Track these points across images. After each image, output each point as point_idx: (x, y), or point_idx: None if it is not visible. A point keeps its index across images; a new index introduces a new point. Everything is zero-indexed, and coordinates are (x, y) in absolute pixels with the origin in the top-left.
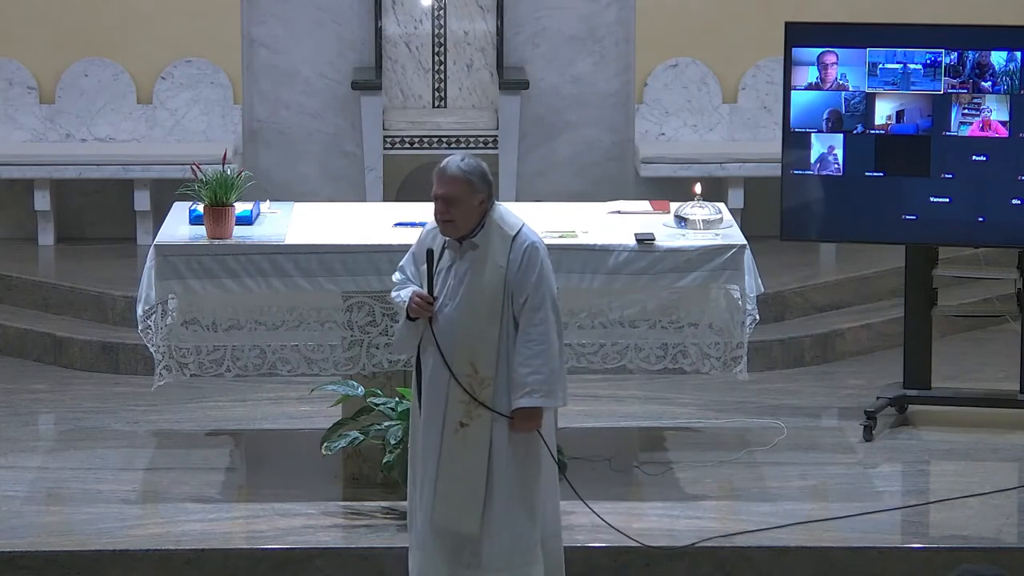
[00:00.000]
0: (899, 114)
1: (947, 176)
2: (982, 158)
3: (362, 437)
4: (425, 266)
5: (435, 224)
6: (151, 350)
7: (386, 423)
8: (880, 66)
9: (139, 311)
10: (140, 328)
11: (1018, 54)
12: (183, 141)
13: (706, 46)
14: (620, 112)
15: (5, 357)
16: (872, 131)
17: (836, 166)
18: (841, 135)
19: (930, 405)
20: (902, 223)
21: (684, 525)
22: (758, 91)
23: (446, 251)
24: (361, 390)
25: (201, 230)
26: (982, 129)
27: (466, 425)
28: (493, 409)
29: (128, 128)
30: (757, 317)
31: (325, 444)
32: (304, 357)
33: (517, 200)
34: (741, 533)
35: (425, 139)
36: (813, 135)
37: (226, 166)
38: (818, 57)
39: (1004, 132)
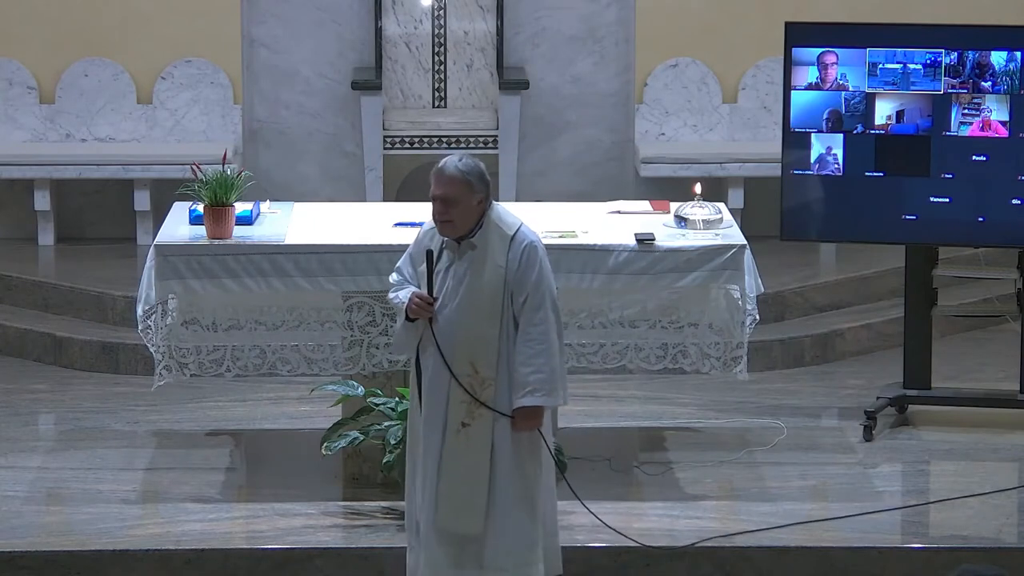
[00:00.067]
0: (899, 114)
1: (947, 176)
2: (982, 158)
3: (362, 437)
4: (423, 267)
5: (433, 225)
6: (151, 350)
7: (386, 423)
8: (880, 66)
9: (139, 311)
10: (140, 328)
11: (1018, 54)
12: (183, 141)
13: (706, 46)
14: (620, 112)
15: (5, 357)
16: (872, 131)
17: (835, 166)
18: (841, 135)
19: (930, 405)
20: (902, 223)
21: (684, 525)
22: (758, 91)
23: (444, 252)
24: (361, 390)
25: (201, 230)
26: (982, 129)
27: (468, 425)
28: (494, 409)
29: (128, 128)
30: (757, 317)
31: (325, 444)
32: (304, 357)
33: (517, 200)
34: (741, 533)
35: (425, 139)
36: (813, 135)
37: (226, 166)
38: (818, 57)
39: (1004, 132)
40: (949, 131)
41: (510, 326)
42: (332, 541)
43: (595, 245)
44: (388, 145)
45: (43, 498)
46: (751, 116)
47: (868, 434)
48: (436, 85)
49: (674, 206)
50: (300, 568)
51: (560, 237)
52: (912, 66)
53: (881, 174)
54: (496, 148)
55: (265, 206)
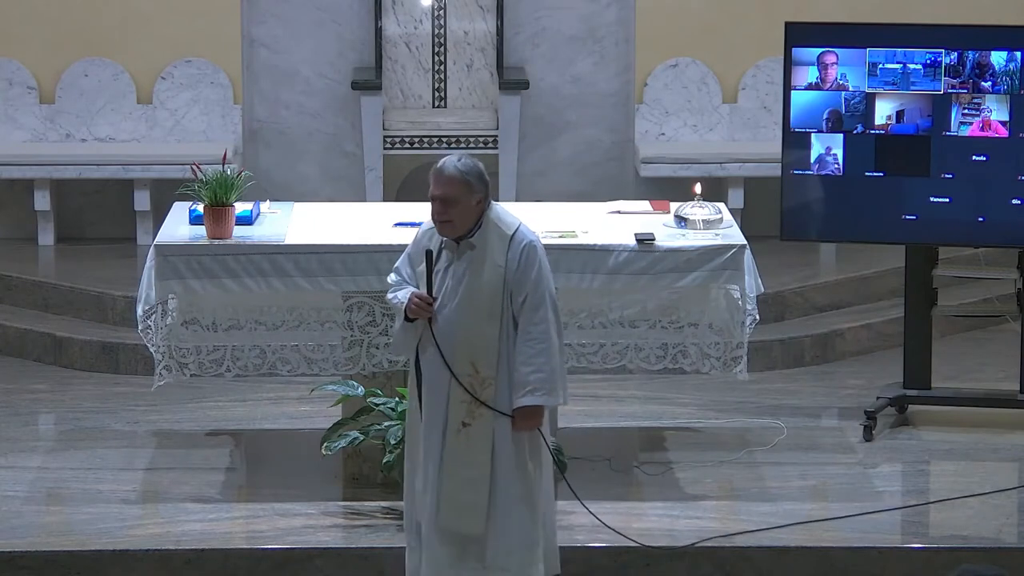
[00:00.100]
0: (899, 114)
1: (947, 176)
2: (982, 158)
3: (362, 437)
4: (421, 267)
5: (431, 225)
6: (151, 350)
7: (386, 423)
8: (880, 66)
9: (139, 311)
10: (140, 328)
11: (1018, 54)
12: (183, 141)
13: (706, 46)
14: (620, 112)
15: (5, 357)
16: (872, 131)
17: (835, 166)
18: (841, 135)
19: (930, 405)
20: (902, 223)
21: (684, 525)
22: (758, 91)
23: (443, 252)
24: (361, 390)
25: (201, 230)
26: (982, 129)
27: (468, 425)
28: (495, 408)
29: (128, 128)
30: (757, 317)
31: (325, 444)
32: (304, 357)
33: (517, 200)
34: (741, 533)
35: (425, 139)
36: (813, 135)
37: (226, 166)
38: (818, 57)
39: (1004, 132)
40: (949, 131)
41: (510, 325)
42: (332, 541)
43: (595, 245)
44: (388, 145)
45: (43, 498)
46: (751, 116)
47: (868, 434)
48: (436, 85)
49: (674, 206)
50: (300, 568)
51: (560, 237)
52: (912, 66)
53: (881, 174)
54: (496, 148)
55: (265, 206)
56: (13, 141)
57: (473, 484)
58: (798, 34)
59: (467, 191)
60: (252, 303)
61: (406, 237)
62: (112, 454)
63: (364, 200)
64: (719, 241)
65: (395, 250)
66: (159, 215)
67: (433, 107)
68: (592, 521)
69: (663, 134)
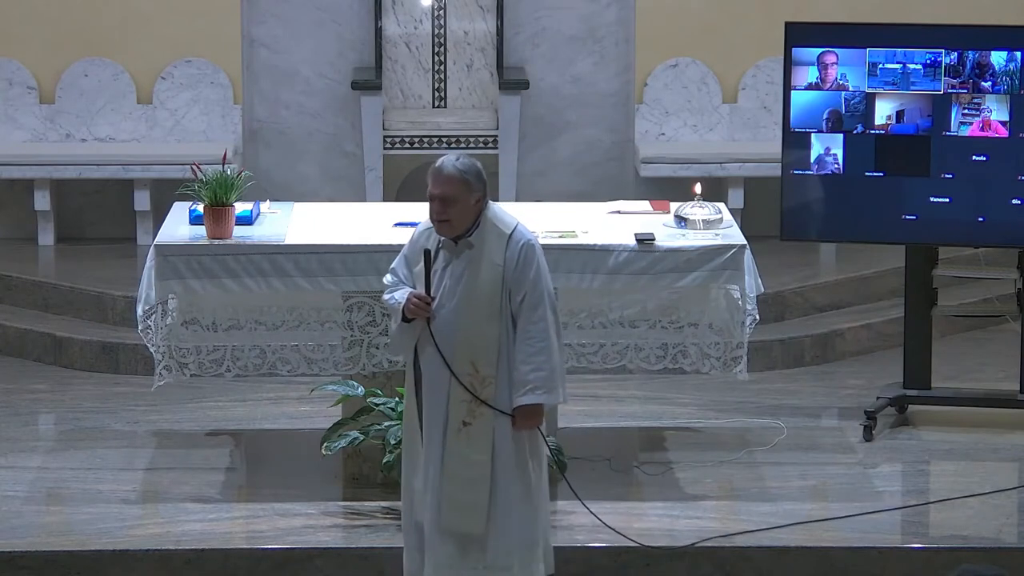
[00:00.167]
0: (899, 114)
1: (947, 176)
2: (982, 158)
3: (362, 437)
4: (419, 267)
5: (428, 225)
6: (151, 350)
7: (386, 423)
8: (880, 66)
9: (139, 311)
10: (140, 328)
11: (1018, 54)
12: (183, 141)
13: (706, 46)
14: (620, 112)
15: (5, 357)
16: (872, 131)
17: (835, 167)
18: (841, 135)
19: (930, 405)
20: (902, 223)
21: (684, 525)
22: (758, 91)
23: (441, 251)
24: (361, 390)
25: (201, 230)
26: (982, 129)
27: (468, 424)
28: (495, 407)
29: (128, 128)
30: (757, 317)
31: (325, 444)
32: (304, 357)
33: (517, 200)
34: (741, 533)
35: (425, 139)
36: (813, 135)
37: (226, 166)
38: (818, 57)
39: (1004, 132)
40: (949, 131)
41: (509, 324)
42: (332, 541)
43: (595, 245)
44: (388, 145)
45: (43, 498)
46: (751, 116)
47: (868, 434)
48: (436, 85)
49: (674, 206)
50: (300, 568)
51: (560, 237)
52: (912, 66)
53: (881, 174)
54: (496, 148)
55: (265, 206)
56: (13, 141)
57: (474, 483)
58: (798, 34)
59: (466, 190)
60: (252, 303)
61: (406, 237)
62: (112, 454)
63: (364, 200)
64: (719, 241)
65: (395, 250)
66: (159, 215)
67: (433, 107)
68: (592, 521)
69: (663, 134)
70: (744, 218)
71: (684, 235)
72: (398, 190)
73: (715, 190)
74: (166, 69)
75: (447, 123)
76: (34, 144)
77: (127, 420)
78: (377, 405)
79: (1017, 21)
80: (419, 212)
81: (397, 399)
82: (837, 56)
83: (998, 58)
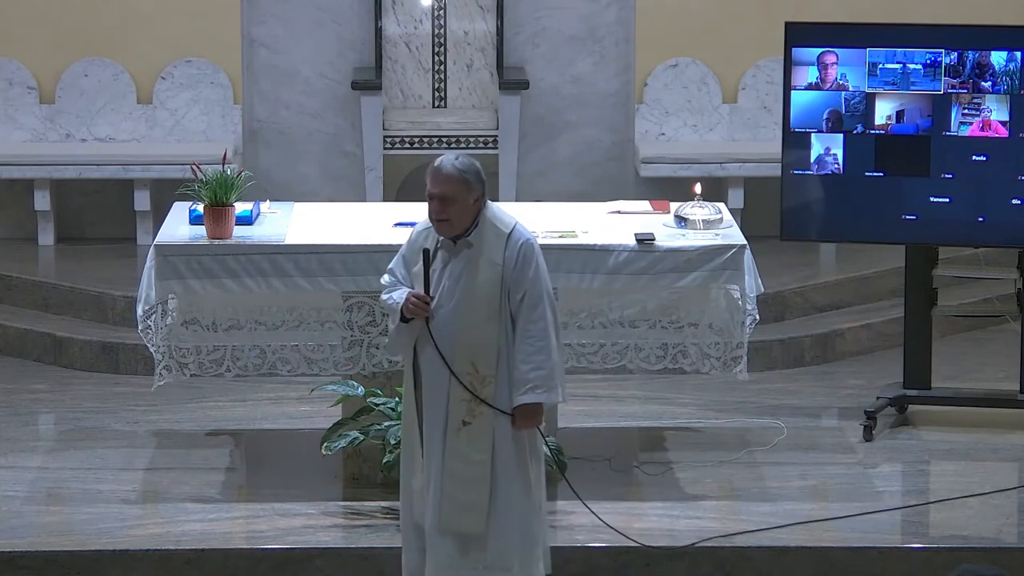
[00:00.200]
0: (899, 114)
1: (947, 176)
2: (982, 158)
3: (362, 437)
4: (418, 267)
5: (426, 225)
6: (151, 350)
7: (386, 423)
8: (880, 66)
9: (139, 311)
10: (140, 328)
11: (1018, 54)
12: (183, 141)
13: (706, 46)
14: (620, 112)
15: (5, 357)
16: (872, 131)
17: (835, 167)
18: (841, 135)
19: (930, 405)
20: (902, 223)
21: (684, 525)
22: (758, 91)
23: (439, 251)
24: (361, 390)
25: (201, 230)
26: (982, 129)
27: (468, 424)
28: (495, 407)
29: (128, 128)
30: (757, 317)
31: (325, 444)
32: (304, 357)
33: (517, 200)
34: (741, 533)
35: (425, 139)
36: (813, 135)
37: (226, 166)
38: (818, 57)
39: (1004, 132)
40: (949, 131)
41: (508, 324)
42: (332, 541)
43: (595, 245)
44: (388, 145)
45: (43, 498)
46: (751, 116)
47: (868, 434)
48: (436, 85)
49: (674, 206)
50: (300, 568)
51: (560, 237)
52: (912, 66)
53: (881, 174)
54: (496, 148)
55: (265, 206)
56: (13, 141)
57: (474, 483)
58: (798, 34)
59: (465, 189)
60: (252, 303)
61: (406, 237)
62: (112, 454)
63: (364, 200)
64: (719, 241)
65: (395, 250)
66: (159, 215)
67: (433, 107)
68: (592, 521)
69: (663, 134)
70: (744, 218)
71: (684, 235)
72: (398, 190)
73: (715, 190)
74: (166, 69)
75: (447, 123)
76: (34, 144)
77: (127, 420)
78: (377, 405)
79: (1017, 21)
80: (419, 212)
81: (397, 399)
82: (837, 56)
83: (998, 58)
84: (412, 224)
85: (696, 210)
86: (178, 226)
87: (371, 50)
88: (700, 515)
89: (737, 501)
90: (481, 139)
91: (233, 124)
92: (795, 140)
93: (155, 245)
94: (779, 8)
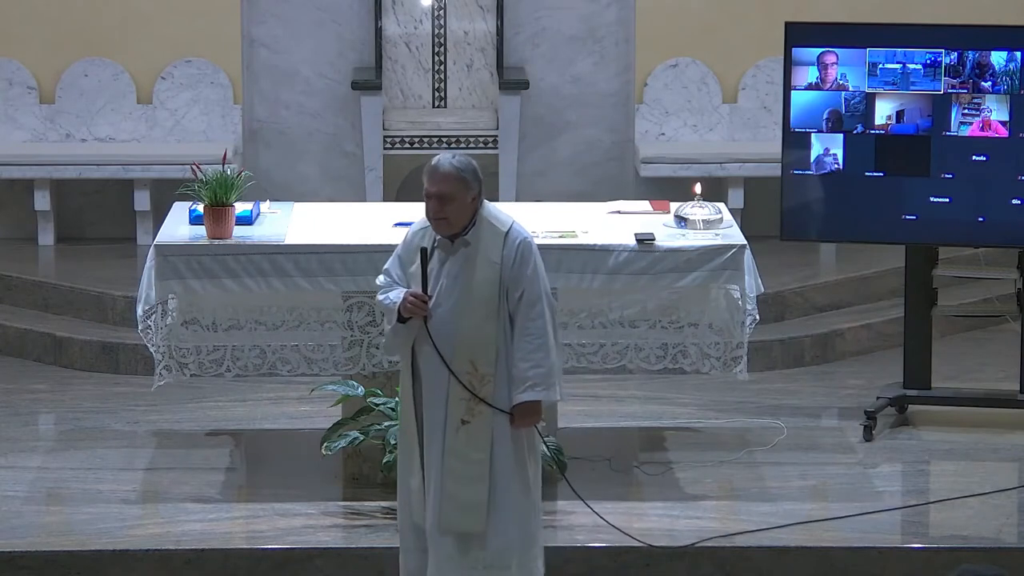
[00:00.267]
0: (899, 114)
1: (947, 176)
2: (982, 158)
3: (362, 437)
4: (414, 267)
5: (421, 225)
6: (151, 350)
7: (386, 423)
8: (880, 66)
9: (139, 311)
10: (140, 328)
11: (1018, 54)
12: (183, 141)
13: (706, 46)
14: (620, 112)
15: (5, 357)
16: (872, 131)
17: (835, 167)
18: (841, 135)
19: (930, 405)
20: (902, 223)
21: (684, 525)
22: (758, 91)
23: (436, 251)
24: (361, 390)
25: (201, 230)
26: (982, 129)
27: (467, 422)
28: (493, 405)
29: (128, 128)
30: (757, 317)
31: (325, 444)
32: (304, 357)
33: (517, 200)
34: (741, 533)
35: (425, 139)
36: (813, 135)
37: (226, 166)
38: (818, 57)
39: (1004, 132)
40: (949, 131)
41: (507, 322)
42: (332, 541)
43: (595, 245)
44: (388, 145)
45: (43, 498)
46: (751, 116)
47: (868, 434)
48: (436, 85)
49: (674, 206)
50: (300, 568)
51: (560, 237)
52: (912, 66)
53: (881, 174)
54: (496, 148)
55: (265, 206)
56: (13, 141)
57: (473, 481)
58: (798, 34)
59: (463, 188)
60: (252, 303)
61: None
62: (112, 454)
63: (364, 200)
64: (719, 241)
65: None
66: (159, 215)
67: (433, 107)
68: (592, 521)
69: (663, 134)
70: (744, 218)
71: (684, 235)
72: (398, 190)
73: (715, 190)
74: (166, 69)
75: (447, 123)
76: (34, 144)
77: (127, 420)
78: (377, 405)
79: (1017, 21)
80: (419, 212)
81: (397, 399)
82: (837, 56)
83: (998, 58)
84: (412, 224)
85: (696, 210)
86: (178, 226)
87: (371, 50)
88: (700, 515)
89: (737, 501)
90: (481, 139)
91: (233, 124)
92: (795, 140)
93: (155, 245)
94: (779, 8)
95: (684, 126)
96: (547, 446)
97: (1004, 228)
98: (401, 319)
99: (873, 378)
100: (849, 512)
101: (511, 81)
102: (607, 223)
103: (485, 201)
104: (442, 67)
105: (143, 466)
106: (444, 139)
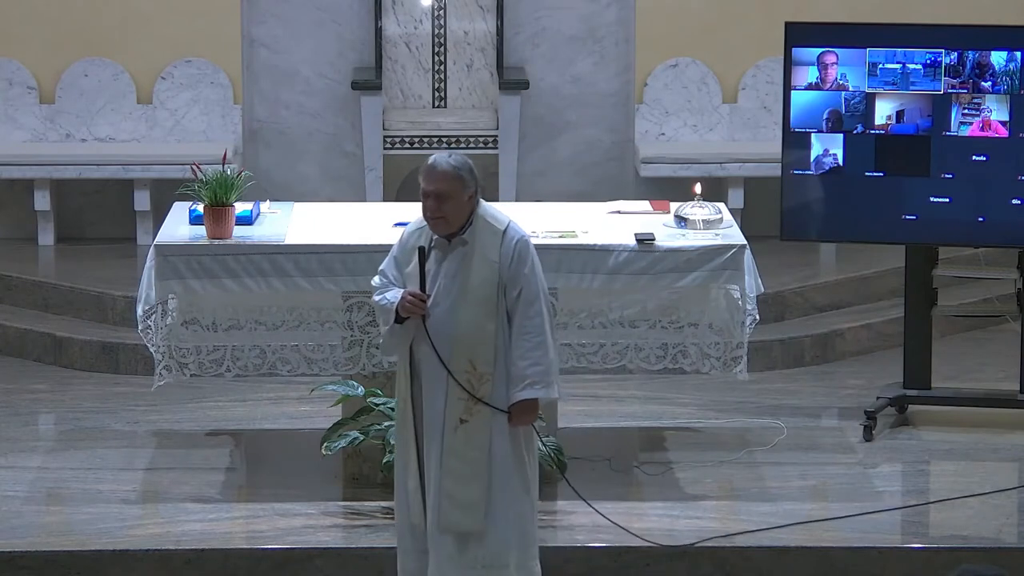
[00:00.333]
0: (899, 114)
1: (947, 176)
2: (982, 158)
3: (362, 437)
4: (412, 267)
5: (418, 225)
6: (151, 350)
7: (386, 423)
8: (880, 66)
9: (139, 311)
10: (140, 328)
11: (1018, 54)
12: (183, 141)
13: (706, 46)
14: (620, 112)
15: (5, 357)
16: (872, 131)
17: (834, 167)
18: (841, 135)
19: (930, 405)
20: (902, 223)
21: (684, 525)
22: (758, 91)
23: (433, 251)
24: (361, 390)
25: (201, 230)
26: (982, 129)
27: (466, 422)
28: (492, 405)
29: (128, 128)
30: (757, 317)
31: (325, 444)
32: (304, 357)
33: (517, 200)
34: (741, 533)
35: (425, 139)
36: (813, 135)
37: (226, 166)
38: (818, 57)
39: (1004, 132)
40: (949, 131)
41: (504, 321)
42: (332, 541)
43: (595, 245)
44: (388, 145)
45: (43, 498)
46: (751, 116)
47: (868, 434)
48: (436, 85)
49: (674, 206)
50: (300, 568)
51: (560, 237)
52: (912, 66)
53: (881, 174)
54: (496, 148)
55: (265, 206)
56: (13, 141)
57: (472, 480)
58: (798, 34)
59: (460, 186)
60: (252, 303)
61: None
62: (112, 454)
63: (364, 200)
64: (719, 241)
65: None
66: (159, 215)
67: (433, 107)
68: (592, 521)
69: (663, 134)
70: (744, 218)
71: (684, 235)
72: (398, 190)
73: (715, 190)
74: (166, 69)
75: (447, 123)
76: (34, 144)
77: (127, 420)
78: (377, 405)
79: (1017, 21)
80: (419, 212)
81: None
82: (837, 56)
83: (998, 58)
84: (407, 224)
85: (696, 210)
86: (178, 226)
87: (371, 50)
88: (700, 515)
89: (737, 501)
90: (481, 139)
91: (233, 124)
92: (795, 140)
93: (155, 245)
94: (779, 8)
95: (684, 126)
96: (547, 446)
97: (1004, 228)
98: (398, 319)
99: (873, 378)
100: (849, 512)
101: (511, 81)
102: (607, 223)
103: (482, 200)
104: (442, 67)
105: (143, 466)
106: (444, 139)
